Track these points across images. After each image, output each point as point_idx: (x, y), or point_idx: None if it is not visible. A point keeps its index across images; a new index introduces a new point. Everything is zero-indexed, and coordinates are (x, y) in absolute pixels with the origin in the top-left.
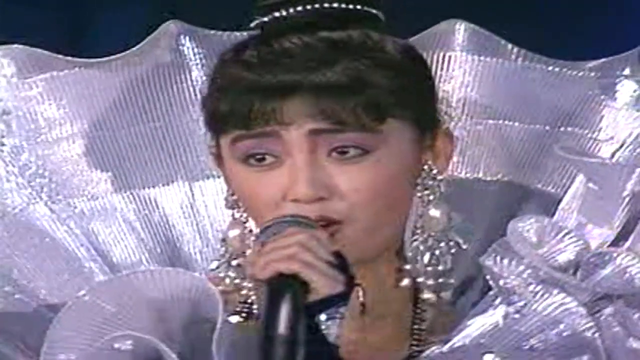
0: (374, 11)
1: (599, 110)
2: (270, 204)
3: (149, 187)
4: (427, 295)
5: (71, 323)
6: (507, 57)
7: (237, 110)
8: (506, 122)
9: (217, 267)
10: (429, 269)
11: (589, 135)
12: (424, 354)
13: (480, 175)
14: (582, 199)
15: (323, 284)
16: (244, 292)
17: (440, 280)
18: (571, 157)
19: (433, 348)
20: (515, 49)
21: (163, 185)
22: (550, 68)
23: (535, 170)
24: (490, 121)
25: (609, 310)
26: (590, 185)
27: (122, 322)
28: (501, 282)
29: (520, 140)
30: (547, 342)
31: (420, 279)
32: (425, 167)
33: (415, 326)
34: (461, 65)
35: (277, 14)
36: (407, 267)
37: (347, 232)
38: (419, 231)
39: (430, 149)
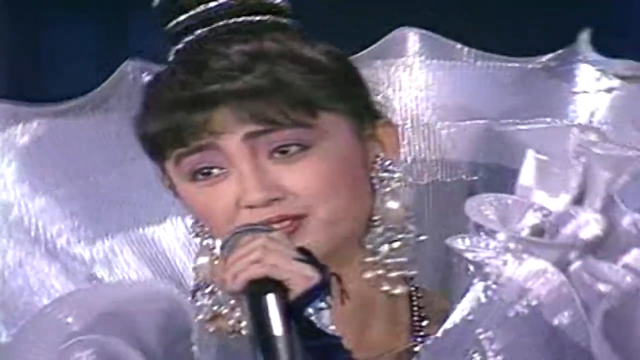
0: (283, 21)
1: (562, 97)
2: (226, 215)
3: (144, 227)
4: (386, 287)
5: (31, 338)
6: (462, 58)
7: (166, 129)
8: (475, 121)
9: (194, 296)
10: (389, 260)
11: (557, 123)
12: (422, 345)
13: (463, 177)
14: (535, 171)
15: (296, 280)
16: (226, 317)
17: (402, 272)
18: (511, 130)
19: (430, 337)
20: (472, 51)
21: (158, 223)
22: (509, 65)
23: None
24: (461, 123)
25: (577, 263)
26: (539, 156)
27: (90, 335)
28: (471, 257)
29: (493, 137)
30: (530, 306)
31: (380, 271)
32: (377, 159)
33: (416, 322)
34: (421, 71)
35: (187, 38)
36: (368, 259)
37: (311, 224)
38: (377, 223)
39: (373, 139)
